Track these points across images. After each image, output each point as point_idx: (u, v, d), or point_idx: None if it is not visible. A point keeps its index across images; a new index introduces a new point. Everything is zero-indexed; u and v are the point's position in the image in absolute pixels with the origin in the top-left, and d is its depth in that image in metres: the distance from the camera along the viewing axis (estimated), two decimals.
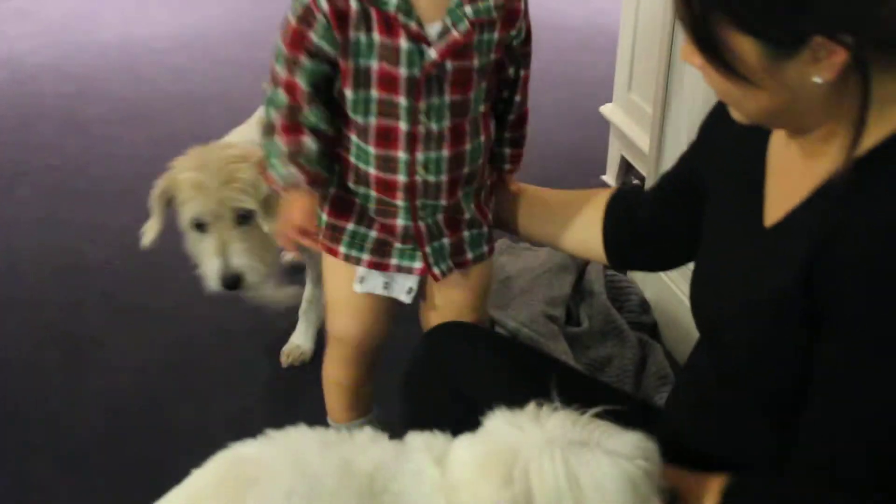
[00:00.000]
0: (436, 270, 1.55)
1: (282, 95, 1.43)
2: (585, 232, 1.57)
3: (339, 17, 1.39)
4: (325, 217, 1.54)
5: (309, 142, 1.44)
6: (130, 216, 2.00)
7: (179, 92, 3.31)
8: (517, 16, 1.47)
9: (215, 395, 1.99)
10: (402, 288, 1.58)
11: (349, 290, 1.56)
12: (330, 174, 1.49)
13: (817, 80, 1.08)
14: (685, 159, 1.43)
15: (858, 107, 1.08)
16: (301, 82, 1.43)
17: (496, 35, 1.46)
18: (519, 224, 1.63)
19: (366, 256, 1.54)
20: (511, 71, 1.53)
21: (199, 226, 1.76)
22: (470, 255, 1.58)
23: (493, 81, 1.50)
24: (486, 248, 1.59)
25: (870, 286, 1.05)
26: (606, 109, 2.77)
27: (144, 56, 3.59)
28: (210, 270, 1.76)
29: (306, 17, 1.40)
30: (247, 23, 3.94)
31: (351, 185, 1.51)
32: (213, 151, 1.78)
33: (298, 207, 1.45)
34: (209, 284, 1.76)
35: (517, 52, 1.52)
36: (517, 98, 1.57)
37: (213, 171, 1.74)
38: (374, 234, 1.54)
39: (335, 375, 1.68)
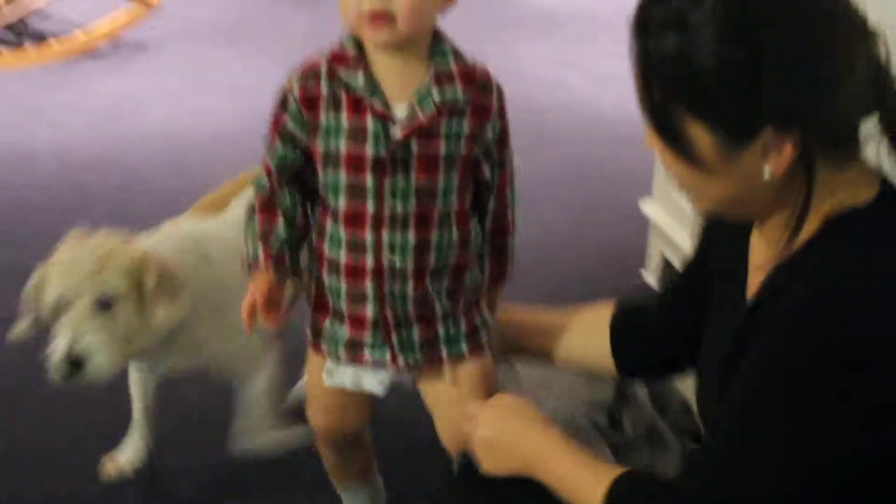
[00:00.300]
0: (400, 360, 1.55)
1: (263, 178, 1.52)
2: (590, 345, 1.59)
3: (310, 100, 1.46)
4: (309, 313, 1.59)
5: (281, 223, 1.52)
6: None
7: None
8: (488, 113, 1.49)
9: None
10: (374, 381, 1.58)
11: (321, 384, 1.61)
12: (293, 261, 1.54)
13: (767, 172, 1.15)
14: (689, 262, 1.47)
15: (801, 200, 1.16)
16: (272, 164, 1.51)
17: (466, 127, 1.48)
18: (516, 342, 1.65)
19: (341, 351, 1.56)
20: (487, 171, 1.54)
21: (60, 310, 1.70)
22: (444, 352, 1.57)
23: (466, 177, 1.51)
24: (465, 348, 1.57)
25: (775, 344, 1.14)
26: (646, 205, 2.78)
27: (188, 147, 3.64)
28: (52, 353, 1.68)
29: (283, 102, 1.48)
30: None
31: (325, 279, 1.54)
32: (90, 239, 1.75)
33: (257, 286, 1.50)
34: (50, 371, 1.68)
35: (492, 152, 1.52)
36: (493, 205, 1.57)
37: (82, 257, 1.71)
38: (345, 329, 1.56)
39: (322, 452, 1.75)
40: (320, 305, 1.57)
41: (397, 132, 1.45)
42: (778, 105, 1.12)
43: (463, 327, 1.57)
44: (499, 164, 1.54)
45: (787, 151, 1.13)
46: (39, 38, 4.46)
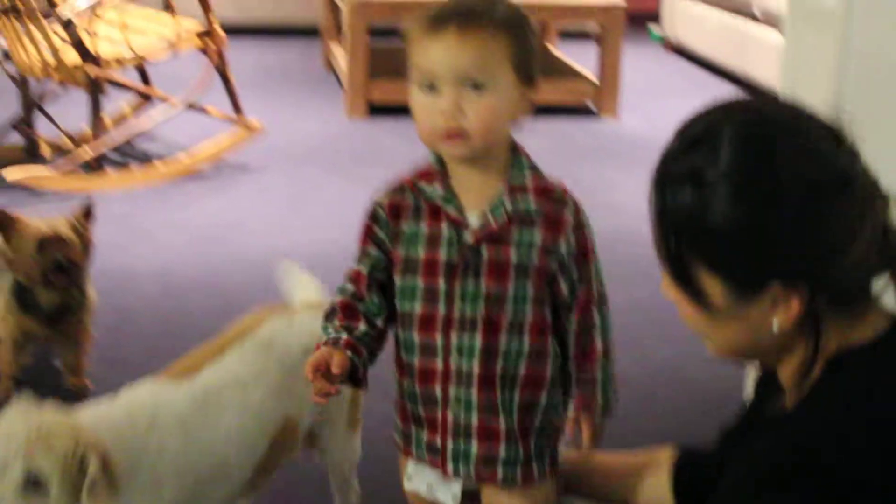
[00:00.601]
0: (450, 466, 1.59)
1: (349, 286, 1.62)
2: (652, 486, 1.58)
3: (396, 211, 1.58)
4: (396, 422, 1.65)
5: (363, 325, 1.59)
6: None
7: None
8: (563, 226, 1.55)
9: None
10: (448, 492, 1.61)
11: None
12: (363, 363, 1.58)
13: (775, 323, 1.20)
14: (746, 403, 1.49)
15: (810, 349, 1.21)
16: (364, 269, 1.60)
17: (538, 238, 1.54)
18: (576, 481, 1.66)
19: (429, 456, 1.62)
20: (564, 287, 1.56)
21: None
22: (500, 474, 1.58)
23: (541, 290, 1.55)
24: (518, 475, 1.58)
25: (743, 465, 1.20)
26: None
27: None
28: None
29: (373, 213, 1.61)
30: None
31: (404, 386, 1.62)
32: (32, 412, 1.69)
33: (321, 352, 1.54)
34: None
35: (569, 267, 1.55)
36: (575, 325, 1.58)
37: (18, 430, 1.64)
38: (425, 433, 1.62)
39: None
40: (403, 411, 1.63)
41: (469, 237, 1.54)
42: (785, 264, 1.17)
43: (522, 453, 1.58)
44: (578, 281, 1.56)
45: (795, 305, 1.18)
46: (145, 159, 4.58)
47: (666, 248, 1.23)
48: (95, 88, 4.12)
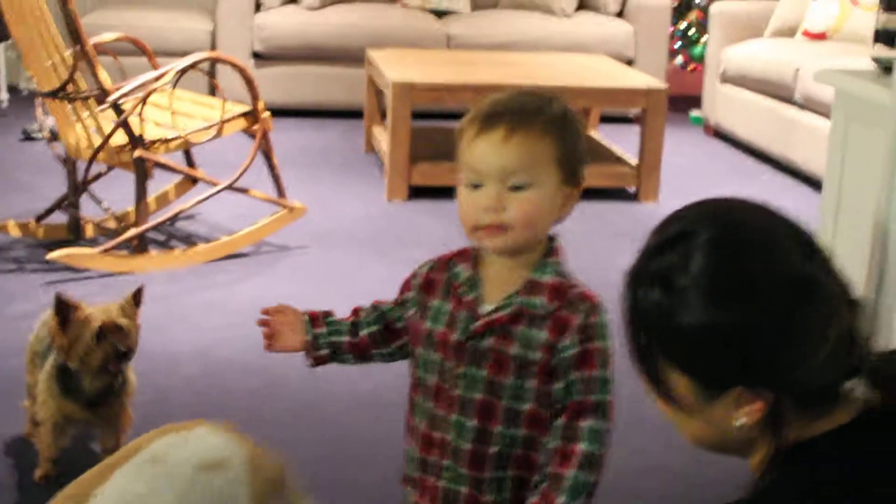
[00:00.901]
0: None
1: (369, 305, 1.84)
2: None
3: (429, 284, 1.69)
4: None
5: (349, 323, 1.83)
6: None
7: (356, 392, 3.36)
8: (568, 326, 1.58)
9: None
10: None
11: None
12: (326, 340, 1.84)
13: (738, 422, 1.23)
14: None
15: (772, 447, 1.23)
16: (383, 304, 1.79)
17: (543, 335, 1.58)
18: None
19: None
20: (559, 389, 1.59)
21: None
22: None
23: (543, 385, 1.60)
24: None
25: None
26: None
27: None
28: None
29: (413, 276, 1.74)
30: None
31: (408, 450, 1.72)
32: None
33: (287, 308, 1.87)
34: None
35: (567, 368, 1.58)
36: (559, 430, 1.57)
37: None
38: (414, 497, 1.70)
39: None
40: (404, 473, 1.73)
41: (477, 324, 1.61)
42: (749, 370, 1.20)
43: None
44: (575, 385, 1.57)
45: (758, 406, 1.21)
46: (187, 240, 4.63)
47: (635, 344, 1.28)
48: (142, 170, 4.18)
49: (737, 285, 1.20)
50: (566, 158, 1.58)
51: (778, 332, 1.18)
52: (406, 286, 1.75)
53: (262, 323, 1.88)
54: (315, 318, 1.84)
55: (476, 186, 1.56)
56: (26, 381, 2.87)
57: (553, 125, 1.56)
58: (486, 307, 1.62)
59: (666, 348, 1.24)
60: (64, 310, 2.61)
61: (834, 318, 1.21)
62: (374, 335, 1.79)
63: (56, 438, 2.72)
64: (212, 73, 6.47)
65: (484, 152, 1.55)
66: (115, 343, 2.60)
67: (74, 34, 4.00)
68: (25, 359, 2.87)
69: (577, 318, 1.58)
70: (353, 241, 4.75)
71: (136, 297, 2.70)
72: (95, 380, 2.66)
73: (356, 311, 1.84)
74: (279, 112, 5.56)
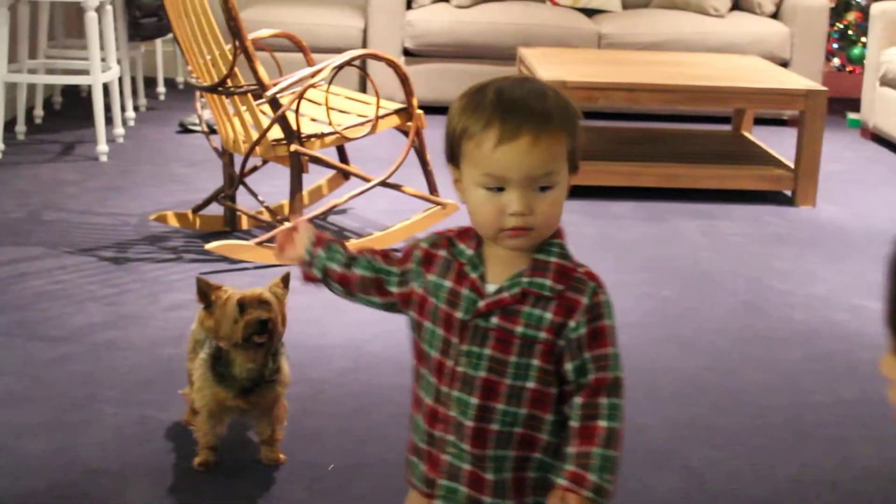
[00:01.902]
0: (437, 502, 1.67)
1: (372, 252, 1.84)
2: None
3: (427, 259, 1.70)
4: (406, 452, 1.78)
5: (345, 254, 1.84)
6: None
7: None
8: (575, 307, 1.59)
9: None
10: None
11: None
12: (322, 263, 1.85)
13: None
14: None
15: None
16: (382, 253, 1.80)
17: (549, 315, 1.59)
18: None
19: (421, 486, 1.73)
20: (569, 367, 1.59)
21: None
22: None
23: (547, 363, 1.60)
24: None
25: None
26: None
27: None
28: None
29: (410, 249, 1.74)
30: None
31: (415, 420, 1.73)
32: None
33: (303, 223, 1.89)
34: None
35: (579, 348, 1.58)
36: (578, 409, 1.58)
37: None
38: (423, 467, 1.71)
39: None
40: (412, 441, 1.75)
41: (481, 304, 1.62)
42: None
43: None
44: (589, 362, 1.59)
45: None
46: (339, 233, 4.67)
47: None
48: (297, 165, 4.23)
49: None
50: (574, 149, 1.62)
51: None
52: (406, 257, 1.75)
53: (277, 233, 1.90)
54: (319, 240, 1.86)
55: (497, 189, 1.58)
56: (187, 368, 2.93)
57: (565, 120, 1.60)
58: (490, 287, 1.63)
59: None
60: (205, 290, 2.65)
61: None
62: (364, 279, 1.80)
63: (213, 426, 2.77)
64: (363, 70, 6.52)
65: (511, 160, 1.56)
66: (259, 314, 2.62)
67: (234, 30, 4.07)
68: (187, 347, 2.92)
69: (584, 298, 1.60)
70: None
71: (284, 282, 2.72)
72: (245, 359, 2.69)
73: (361, 251, 1.84)
74: (428, 109, 5.54)
